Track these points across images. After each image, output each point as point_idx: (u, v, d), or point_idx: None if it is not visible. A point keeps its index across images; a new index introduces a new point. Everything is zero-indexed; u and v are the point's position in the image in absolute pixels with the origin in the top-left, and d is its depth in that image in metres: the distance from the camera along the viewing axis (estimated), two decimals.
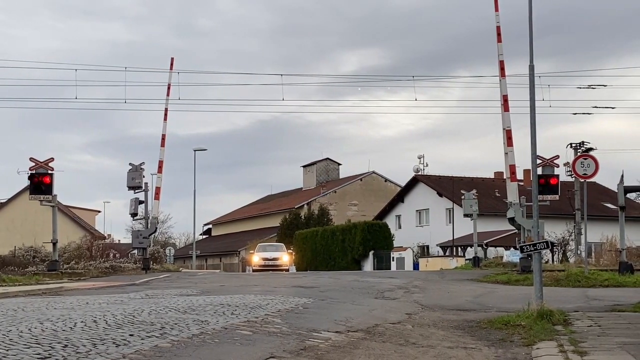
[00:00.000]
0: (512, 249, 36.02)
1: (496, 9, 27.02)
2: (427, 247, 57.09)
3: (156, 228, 34.42)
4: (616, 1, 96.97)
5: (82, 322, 8.71)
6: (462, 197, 37.39)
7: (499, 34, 26.96)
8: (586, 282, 20.16)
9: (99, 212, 70.83)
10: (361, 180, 75.33)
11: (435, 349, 8.44)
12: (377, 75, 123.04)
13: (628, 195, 33.07)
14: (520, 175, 35.81)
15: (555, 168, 26.23)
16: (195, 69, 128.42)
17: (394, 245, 54.72)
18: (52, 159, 27.44)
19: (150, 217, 32.16)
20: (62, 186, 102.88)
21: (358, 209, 72.64)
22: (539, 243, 11.66)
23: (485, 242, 45.48)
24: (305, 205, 71.69)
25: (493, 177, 61.31)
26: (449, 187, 55.37)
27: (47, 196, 27.52)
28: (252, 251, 44.81)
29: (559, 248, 41.48)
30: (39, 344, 6.92)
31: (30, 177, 27.39)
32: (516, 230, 29.58)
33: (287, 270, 39.34)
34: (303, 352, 7.54)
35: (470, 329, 10.43)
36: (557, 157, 26.56)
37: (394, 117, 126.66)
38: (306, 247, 58.64)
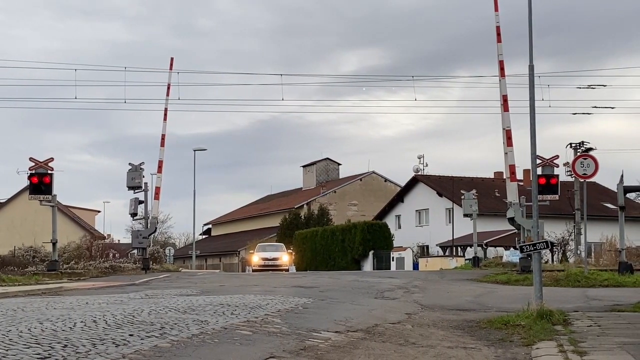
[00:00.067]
0: (511, 249, 36.03)
1: (496, 9, 27.03)
2: (427, 247, 57.10)
3: (156, 228, 34.42)
4: (616, 1, 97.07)
5: (81, 322, 8.71)
6: (462, 197, 37.40)
7: (498, 34, 26.96)
8: (586, 282, 20.17)
9: (99, 212, 70.92)
10: (361, 180, 75.33)
11: (435, 348, 8.44)
12: (377, 75, 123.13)
13: (628, 195, 33.07)
14: (520, 175, 35.80)
15: (555, 168, 26.25)
16: (195, 69, 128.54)
17: (394, 245, 54.73)
18: (51, 159, 27.45)
19: (150, 217, 32.16)
20: (61, 186, 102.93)
21: (358, 209, 72.65)
22: (539, 243, 11.67)
23: (485, 242, 45.48)
24: (305, 205, 71.69)
25: (493, 177, 61.32)
26: (448, 187, 55.38)
27: (47, 196, 27.52)
28: (251, 251, 44.82)
29: (559, 248, 41.47)
30: (38, 344, 6.92)
31: (30, 177, 27.39)
32: (516, 230, 29.59)
33: (287, 270, 39.36)
34: (303, 352, 7.54)
35: (470, 329, 10.43)
36: (557, 157, 26.60)
37: (393, 117, 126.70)
38: (306, 247, 58.65)
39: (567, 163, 40.99)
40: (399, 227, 62.38)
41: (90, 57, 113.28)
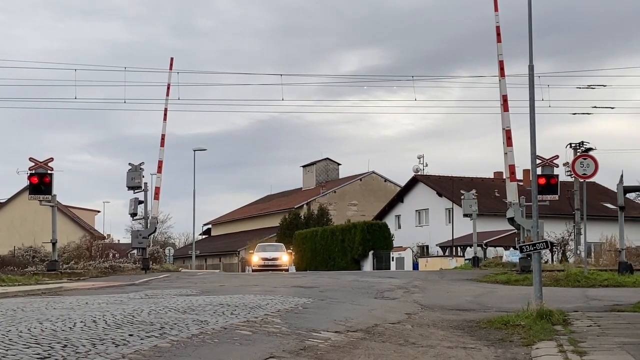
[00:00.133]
0: (511, 249, 36.02)
1: (496, 9, 27.03)
2: (427, 247, 57.10)
3: (156, 228, 34.42)
4: (616, 1, 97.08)
5: (81, 322, 8.71)
6: (462, 197, 37.40)
7: (498, 34, 26.96)
8: (586, 282, 20.17)
9: (99, 212, 70.90)
10: (361, 180, 75.33)
11: (435, 348, 8.44)
12: (377, 75, 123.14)
13: (627, 195, 33.08)
14: (519, 175, 35.81)
15: (554, 168, 26.25)
16: (195, 69, 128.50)
17: (394, 245, 54.72)
18: (51, 159, 27.45)
19: (150, 217, 32.16)
20: (61, 186, 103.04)
21: (358, 209, 72.65)
22: (539, 243, 11.66)
23: (484, 242, 45.48)
24: (304, 205, 71.69)
25: (492, 177, 61.32)
26: (448, 187, 55.39)
27: (47, 196, 27.52)
28: (251, 251, 44.82)
29: (559, 248, 41.47)
30: (38, 344, 6.92)
31: (30, 177, 27.39)
32: (516, 230, 29.59)
33: (287, 270, 39.35)
34: (303, 352, 7.53)
35: (470, 329, 10.43)
36: (557, 157, 26.61)
37: (393, 117, 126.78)
38: (306, 247, 58.65)
39: (567, 163, 41.04)
40: (399, 227, 62.38)
41: (90, 57, 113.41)
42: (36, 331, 7.79)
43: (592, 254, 38.55)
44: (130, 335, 7.70)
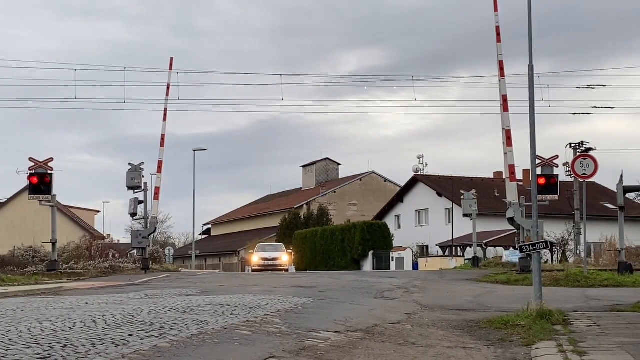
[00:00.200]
0: (511, 249, 36.03)
1: (495, 9, 27.03)
2: (427, 247, 57.10)
3: (155, 228, 34.41)
4: (616, 1, 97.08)
5: (81, 322, 8.71)
6: (462, 197, 37.40)
7: (498, 34, 26.97)
8: (585, 282, 20.17)
9: (99, 212, 70.91)
10: (361, 180, 75.33)
11: (435, 348, 8.44)
12: (376, 75, 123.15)
13: (627, 195, 33.07)
14: (519, 175, 35.83)
15: (554, 168, 26.25)
16: (195, 69, 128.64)
17: (394, 245, 54.72)
18: (51, 159, 27.45)
19: (150, 217, 32.16)
20: (61, 186, 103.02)
21: (357, 209, 72.65)
22: (538, 243, 11.66)
23: (484, 242, 45.48)
24: (304, 205, 71.69)
25: (492, 177, 61.34)
26: (448, 187, 55.38)
27: (47, 196, 27.51)
28: (251, 251, 44.81)
29: (558, 248, 41.47)
30: (38, 344, 6.92)
31: (30, 177, 27.38)
32: (515, 230, 29.59)
33: (287, 270, 39.34)
34: (302, 352, 7.53)
35: (470, 329, 10.43)
36: (557, 157, 26.61)
37: (393, 117, 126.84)
38: (305, 247, 58.65)
39: (567, 163, 41.03)
40: (399, 227, 62.38)
41: (90, 57, 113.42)
42: (36, 331, 7.79)
43: (592, 254, 38.54)
44: (130, 335, 7.70)
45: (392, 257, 51.52)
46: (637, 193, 53.98)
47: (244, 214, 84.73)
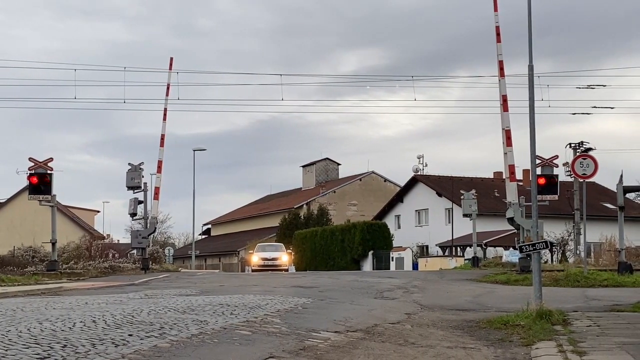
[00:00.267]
0: (511, 249, 36.02)
1: (495, 9, 27.03)
2: (427, 247, 57.10)
3: (155, 228, 34.41)
4: (615, 1, 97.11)
5: (81, 322, 8.71)
6: (462, 197, 37.39)
7: (498, 34, 26.97)
8: (585, 282, 20.17)
9: (98, 212, 70.95)
10: (360, 180, 75.33)
11: (435, 348, 8.44)
12: (376, 75, 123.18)
13: (627, 195, 33.05)
14: (519, 175, 35.83)
15: (554, 168, 26.25)
16: (195, 69, 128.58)
17: (393, 245, 54.73)
18: (51, 159, 27.44)
19: (150, 217, 32.16)
20: (61, 186, 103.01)
21: (357, 209, 72.65)
22: (538, 243, 11.66)
23: (484, 242, 45.48)
24: (304, 205, 71.68)
25: (492, 177, 61.34)
26: (448, 187, 55.39)
27: (46, 196, 27.50)
28: (251, 251, 44.79)
29: (558, 248, 41.47)
30: (38, 344, 6.92)
31: (30, 177, 27.37)
32: (515, 230, 29.59)
33: (287, 270, 39.33)
34: (302, 352, 7.53)
35: (470, 329, 10.43)
36: (557, 157, 26.60)
37: (393, 117, 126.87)
38: (305, 247, 58.65)
39: (567, 163, 41.02)
40: (399, 227, 62.39)
41: (90, 57, 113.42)
42: (36, 331, 7.79)
43: (592, 254, 38.52)
44: (130, 335, 7.70)
45: (392, 257, 51.52)
46: (637, 193, 54.02)
47: (244, 214, 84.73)
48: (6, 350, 6.47)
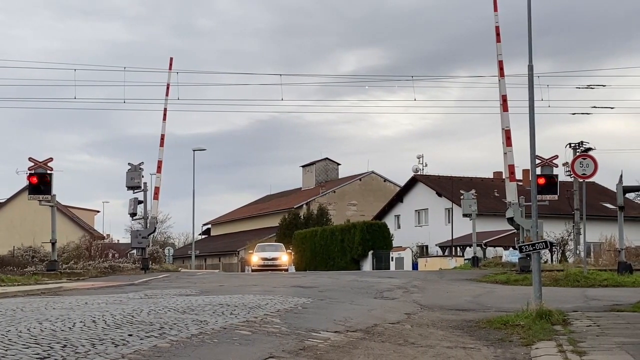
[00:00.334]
0: (511, 248, 36.03)
1: (495, 9, 27.04)
2: (426, 247, 57.10)
3: (155, 228, 34.41)
4: (615, 1, 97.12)
5: (81, 322, 8.71)
6: (461, 197, 37.40)
7: (498, 34, 26.98)
8: (585, 282, 20.16)
9: (98, 212, 70.94)
10: (360, 180, 75.33)
11: (434, 348, 8.44)
12: (376, 75, 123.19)
13: (627, 195, 33.03)
14: (519, 175, 35.79)
15: (554, 168, 26.25)
16: (195, 69, 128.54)
17: (393, 245, 54.74)
18: (51, 159, 27.44)
19: (149, 217, 32.16)
20: (61, 186, 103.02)
21: (357, 208, 72.65)
22: (538, 243, 11.66)
23: (484, 242, 45.48)
24: (304, 205, 71.69)
25: (492, 177, 61.34)
26: (448, 187, 55.40)
27: (46, 196, 27.50)
28: (251, 251, 44.79)
29: (558, 248, 41.48)
30: (37, 344, 6.92)
31: (29, 177, 27.37)
32: (515, 230, 29.59)
33: (286, 270, 39.32)
34: (302, 352, 7.53)
35: (469, 328, 10.43)
36: (556, 157, 26.60)
37: (393, 117, 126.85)
38: (305, 247, 58.65)
39: (567, 163, 41.00)
40: (399, 227, 62.39)
41: (89, 57, 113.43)
42: (35, 331, 7.79)
43: (592, 254, 38.52)
44: (130, 335, 7.70)
45: (392, 257, 51.53)
46: (636, 193, 54.05)
47: (244, 214, 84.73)
48: (6, 350, 6.47)
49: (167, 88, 32.56)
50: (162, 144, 32.65)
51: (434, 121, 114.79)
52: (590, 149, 45.59)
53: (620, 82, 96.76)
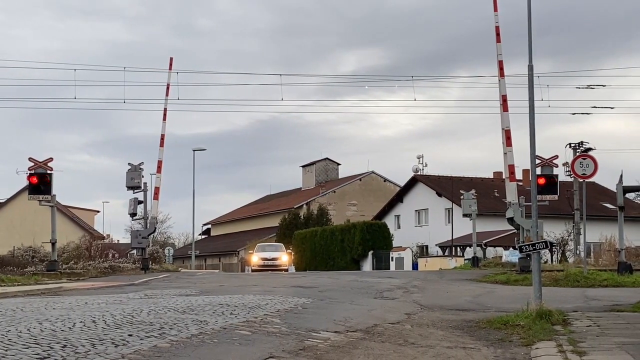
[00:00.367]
0: (511, 249, 36.02)
1: (495, 9, 27.04)
2: (426, 247, 57.09)
3: (155, 228, 34.42)
4: (615, 1, 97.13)
5: (81, 322, 8.71)
6: (461, 197, 37.40)
7: (498, 34, 26.98)
8: (585, 282, 20.16)
9: (98, 212, 70.95)
10: (360, 180, 75.33)
11: (434, 348, 8.44)
12: (376, 75, 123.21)
13: (627, 195, 33.04)
14: (519, 175, 35.75)
15: (554, 168, 26.25)
16: (195, 69, 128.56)
17: (393, 245, 54.73)
18: (51, 159, 27.44)
19: (149, 217, 32.16)
20: (61, 186, 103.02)
21: (357, 209, 72.64)
22: (538, 243, 11.67)
23: (484, 242, 45.48)
24: (304, 205, 71.68)
25: (492, 177, 61.33)
26: (448, 187, 55.39)
27: (46, 196, 27.50)
28: (251, 251, 44.80)
29: (558, 248, 41.47)
30: (37, 344, 6.92)
31: (29, 177, 27.37)
32: (515, 230, 29.58)
33: (286, 270, 39.33)
34: (302, 352, 7.53)
35: (469, 329, 10.43)
36: (556, 157, 26.59)
37: (393, 117, 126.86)
38: (305, 247, 58.64)
39: (567, 163, 41.00)
40: (399, 227, 62.39)
41: (89, 57, 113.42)
42: (35, 331, 7.79)
43: (592, 254, 38.52)
44: (130, 335, 7.70)
45: (392, 257, 51.52)
46: (636, 193, 54.06)
47: (244, 214, 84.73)
48: (6, 351, 6.47)
49: (167, 88, 32.58)
50: (162, 144, 32.67)
51: (434, 121, 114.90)
52: (590, 149, 45.59)
53: (620, 82, 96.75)
